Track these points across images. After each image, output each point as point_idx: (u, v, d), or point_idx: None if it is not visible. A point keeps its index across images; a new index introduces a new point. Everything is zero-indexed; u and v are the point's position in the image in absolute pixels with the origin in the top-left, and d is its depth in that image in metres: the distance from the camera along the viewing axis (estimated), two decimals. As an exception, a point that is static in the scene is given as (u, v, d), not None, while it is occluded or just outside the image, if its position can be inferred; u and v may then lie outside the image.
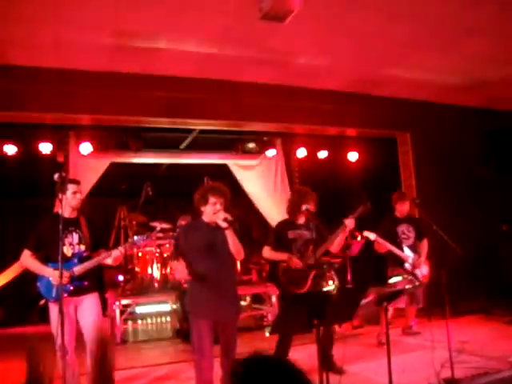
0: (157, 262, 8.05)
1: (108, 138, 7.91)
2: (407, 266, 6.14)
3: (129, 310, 7.77)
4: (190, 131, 8.16)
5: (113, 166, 8.07)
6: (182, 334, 6.68)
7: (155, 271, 8.03)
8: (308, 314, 3.27)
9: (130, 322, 8.18)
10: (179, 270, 4.21)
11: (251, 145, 8.91)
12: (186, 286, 4.25)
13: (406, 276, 6.02)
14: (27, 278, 5.24)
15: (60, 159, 7.70)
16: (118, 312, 7.14)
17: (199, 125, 7.67)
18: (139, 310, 8.17)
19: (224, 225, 3.94)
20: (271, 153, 9.03)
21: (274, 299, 7.77)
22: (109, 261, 4.40)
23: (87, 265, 4.30)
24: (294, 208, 5.27)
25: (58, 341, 3.65)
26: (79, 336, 4.38)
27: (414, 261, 6.13)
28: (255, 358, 1.58)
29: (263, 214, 8.92)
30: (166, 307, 8.12)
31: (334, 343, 5.15)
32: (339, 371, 4.70)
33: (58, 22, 5.11)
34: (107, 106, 6.51)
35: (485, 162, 8.57)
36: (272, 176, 9.07)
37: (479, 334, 6.36)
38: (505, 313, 7.16)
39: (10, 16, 4.93)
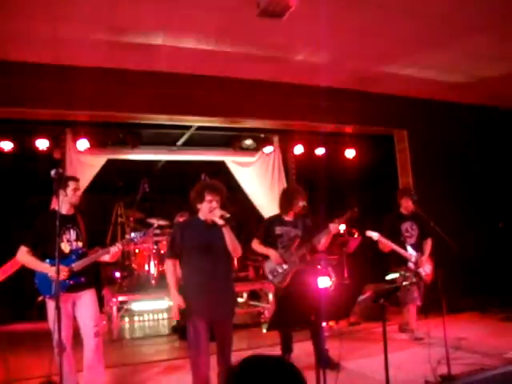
0: (154, 259, 8.04)
1: (105, 135, 7.91)
2: (410, 264, 6.09)
3: (125, 306, 7.78)
4: (187, 128, 8.14)
5: (110, 162, 8.06)
6: (179, 330, 6.68)
7: (152, 268, 8.02)
8: (304, 311, 3.28)
9: (126, 319, 8.19)
10: (170, 272, 4.15)
11: (248, 142, 8.91)
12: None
13: (403, 273, 6.03)
14: (23, 275, 5.26)
15: (57, 156, 7.69)
16: (114, 308, 7.14)
17: (196, 121, 7.65)
18: (136, 306, 8.17)
19: (221, 222, 3.94)
20: (268, 150, 9.04)
21: (270, 296, 7.77)
22: (106, 257, 4.43)
23: (86, 261, 4.33)
24: (284, 205, 5.40)
25: (55, 337, 3.62)
26: (75, 332, 4.38)
27: (417, 259, 6.08)
28: (253, 359, 1.59)
29: (260, 211, 8.93)
30: (163, 304, 8.12)
31: (325, 339, 5.11)
32: (335, 367, 4.71)
33: (55, 17, 5.09)
34: (104, 102, 6.48)
35: (481, 159, 8.58)
36: (269, 173, 9.08)
37: (475, 330, 6.38)
38: (500, 310, 7.19)
39: (6, 11, 4.91)
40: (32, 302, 4.81)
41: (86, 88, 6.28)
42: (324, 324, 6.18)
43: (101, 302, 8.07)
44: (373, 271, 8.10)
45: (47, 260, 4.24)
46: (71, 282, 4.25)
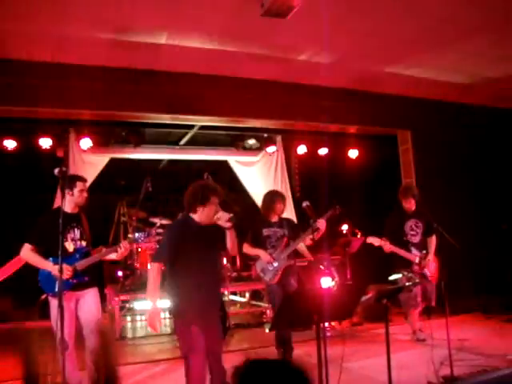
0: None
1: (108, 134, 7.92)
2: (415, 267, 6.02)
3: (128, 305, 7.77)
4: (190, 127, 8.14)
5: (113, 161, 8.07)
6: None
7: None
8: (307, 311, 3.27)
9: (129, 318, 8.18)
10: (155, 276, 4.01)
11: (251, 141, 8.92)
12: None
13: (406, 273, 6.01)
14: (27, 273, 5.27)
15: (60, 154, 7.69)
16: (117, 308, 7.14)
17: (199, 121, 7.66)
18: (138, 305, 8.16)
19: (228, 225, 3.93)
20: (271, 149, 9.04)
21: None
22: (113, 256, 4.47)
23: (89, 260, 4.36)
24: (267, 207, 5.74)
25: (58, 335, 3.63)
26: (78, 331, 4.39)
27: (421, 260, 6.01)
28: (257, 361, 1.59)
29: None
30: (165, 303, 8.10)
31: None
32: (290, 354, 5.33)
33: (60, 17, 5.09)
34: (107, 101, 6.49)
35: (484, 159, 8.56)
36: (272, 173, 9.09)
37: (478, 332, 6.37)
38: (503, 311, 7.17)
39: (11, 11, 4.92)
40: (34, 301, 4.81)
41: (90, 87, 6.28)
42: (327, 324, 6.17)
43: (103, 300, 8.11)
44: (376, 272, 8.07)
45: (50, 258, 4.24)
46: (74, 281, 4.27)
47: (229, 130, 8.60)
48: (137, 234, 4.66)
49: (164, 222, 7.86)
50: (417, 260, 6.02)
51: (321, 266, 7.47)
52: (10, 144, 7.37)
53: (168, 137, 8.69)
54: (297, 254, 6.08)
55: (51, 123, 7.35)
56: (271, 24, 5.29)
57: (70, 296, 4.24)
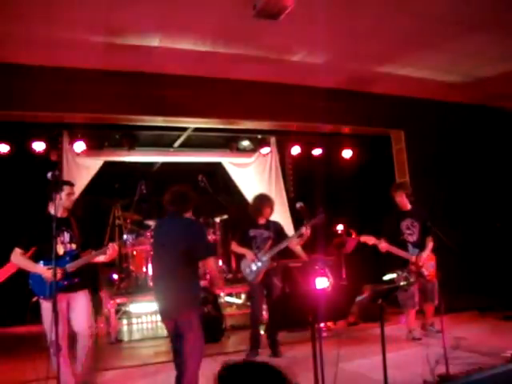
0: (151, 261, 8.02)
1: (102, 137, 7.91)
2: (411, 265, 6.01)
3: (123, 308, 7.75)
4: (184, 129, 8.13)
5: (107, 164, 8.05)
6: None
7: (150, 270, 8.00)
8: (302, 311, 3.28)
9: (124, 321, 8.16)
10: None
11: (245, 143, 8.93)
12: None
13: (400, 273, 6.02)
14: (18, 278, 5.29)
15: (53, 158, 7.67)
16: (112, 311, 7.13)
17: (193, 123, 7.66)
18: (134, 308, 8.14)
19: None
20: (265, 150, 9.05)
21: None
22: (101, 258, 4.58)
23: (79, 262, 4.46)
24: (255, 210, 5.98)
25: (52, 338, 3.70)
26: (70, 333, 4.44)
27: (417, 259, 5.99)
28: (240, 364, 1.59)
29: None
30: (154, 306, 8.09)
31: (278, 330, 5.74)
32: (278, 354, 5.65)
33: (52, 19, 5.08)
34: (101, 104, 6.47)
35: (478, 159, 8.59)
36: (266, 174, 9.10)
37: (473, 330, 6.38)
38: (498, 309, 7.19)
39: (4, 14, 4.90)
40: (27, 305, 4.83)
41: (83, 90, 6.27)
42: (322, 325, 6.19)
43: (99, 304, 8.07)
44: (371, 271, 8.09)
45: (41, 262, 4.33)
46: (65, 283, 4.35)
47: (222, 132, 8.60)
48: (125, 236, 4.77)
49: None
50: (413, 259, 6.02)
51: (315, 267, 7.47)
52: (3, 148, 7.34)
53: (162, 139, 8.68)
54: (292, 255, 6.19)
55: (44, 127, 7.33)
56: (264, 25, 5.29)
57: (62, 298, 4.27)
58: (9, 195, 8.48)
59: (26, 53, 5.83)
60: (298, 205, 5.83)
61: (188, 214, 4.44)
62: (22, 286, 4.59)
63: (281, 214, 8.81)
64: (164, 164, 9.40)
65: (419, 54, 6.66)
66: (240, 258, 6.88)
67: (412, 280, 5.88)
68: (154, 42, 5.82)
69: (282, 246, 5.80)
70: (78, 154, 7.62)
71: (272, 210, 6.04)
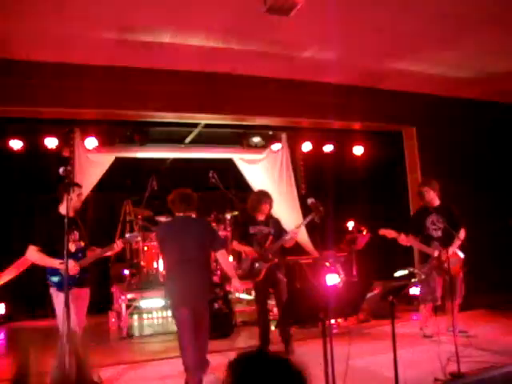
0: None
1: (113, 133, 7.93)
2: (433, 260, 5.90)
3: (134, 304, 7.80)
4: (195, 125, 8.14)
5: (118, 160, 8.09)
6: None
7: (161, 265, 8.04)
8: (313, 308, 3.27)
9: (135, 316, 8.21)
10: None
11: (256, 139, 8.90)
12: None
13: (412, 270, 5.97)
14: (34, 273, 5.40)
15: (65, 154, 7.73)
16: (123, 306, 7.17)
17: (204, 119, 7.66)
18: (145, 304, 8.19)
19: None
20: (276, 147, 9.02)
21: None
22: (108, 253, 5.01)
23: (91, 257, 4.76)
24: (254, 207, 5.96)
25: (65, 327, 3.92)
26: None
27: (441, 255, 5.81)
28: (253, 354, 1.59)
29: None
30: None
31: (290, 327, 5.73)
32: (290, 353, 5.49)
33: (63, 16, 5.10)
34: (112, 100, 6.50)
35: (491, 155, 8.51)
36: (277, 170, 9.07)
37: (485, 328, 6.35)
38: (510, 308, 7.14)
39: (14, 10, 4.92)
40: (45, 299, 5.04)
41: (94, 86, 6.29)
42: (333, 321, 6.18)
43: (110, 299, 8.14)
44: (382, 268, 8.07)
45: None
46: (78, 276, 4.60)
47: (233, 128, 8.59)
48: (127, 235, 5.18)
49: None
50: (435, 254, 5.90)
51: (326, 263, 7.47)
52: (16, 144, 7.40)
53: (173, 135, 8.69)
54: (302, 252, 6.18)
55: (56, 123, 7.39)
56: (275, 21, 5.27)
57: (74, 291, 4.43)
58: (22, 191, 8.58)
59: (38, 50, 5.85)
60: (310, 201, 5.79)
61: (193, 214, 4.79)
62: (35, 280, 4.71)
63: (291, 211, 8.81)
64: (175, 160, 9.42)
65: (431, 50, 6.60)
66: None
67: (423, 277, 5.84)
68: (165, 38, 5.82)
69: (279, 244, 5.79)
70: (89, 150, 7.66)
71: (271, 206, 6.01)
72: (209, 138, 8.76)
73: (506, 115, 8.60)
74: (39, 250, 4.53)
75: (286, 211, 8.47)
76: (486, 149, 8.52)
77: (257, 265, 5.73)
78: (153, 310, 8.39)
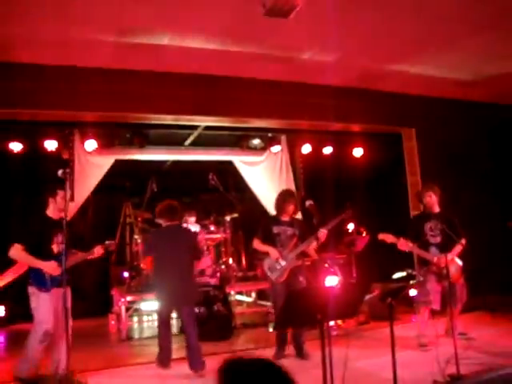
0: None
1: (113, 135, 7.94)
2: (432, 266, 5.83)
3: (134, 306, 7.80)
4: (194, 128, 8.15)
5: (118, 162, 8.09)
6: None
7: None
8: (311, 310, 3.27)
9: (135, 319, 8.21)
10: None
11: (256, 141, 8.91)
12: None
13: (410, 272, 5.96)
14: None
15: (65, 156, 7.73)
16: (123, 308, 7.17)
17: (204, 121, 7.66)
18: (144, 306, 8.19)
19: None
20: (276, 149, 9.03)
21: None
22: (89, 257, 5.09)
23: (71, 261, 4.78)
24: (278, 207, 5.85)
25: (48, 326, 4.26)
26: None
27: (439, 261, 5.70)
28: (241, 360, 1.60)
29: (268, 210, 8.92)
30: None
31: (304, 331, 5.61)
32: (305, 356, 5.45)
33: (63, 19, 5.12)
34: (112, 102, 6.51)
35: (490, 157, 8.52)
36: (277, 172, 9.07)
37: (484, 330, 6.34)
38: (509, 310, 7.13)
39: (14, 14, 4.95)
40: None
41: (94, 89, 6.31)
42: (332, 323, 6.17)
43: (109, 302, 8.14)
44: (381, 270, 8.06)
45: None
46: (60, 278, 4.60)
47: (233, 130, 8.60)
48: (107, 242, 5.22)
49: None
50: (435, 260, 5.82)
51: (325, 265, 7.46)
52: (16, 147, 7.41)
53: (172, 138, 8.70)
54: (302, 253, 6.10)
55: (56, 125, 7.39)
56: (274, 23, 5.28)
57: (56, 292, 4.61)
58: (21, 193, 8.58)
59: (37, 52, 5.87)
60: (308, 203, 5.65)
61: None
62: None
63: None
64: (175, 162, 9.43)
65: (430, 52, 6.62)
66: (251, 255, 6.88)
67: (421, 279, 5.81)
68: (164, 40, 5.84)
69: (303, 247, 5.60)
70: (89, 153, 7.66)
71: (296, 206, 5.85)
72: (208, 140, 8.77)
73: (506, 117, 8.60)
74: (23, 248, 4.61)
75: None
76: (485, 150, 8.53)
77: (278, 266, 5.54)
78: (152, 313, 8.37)
